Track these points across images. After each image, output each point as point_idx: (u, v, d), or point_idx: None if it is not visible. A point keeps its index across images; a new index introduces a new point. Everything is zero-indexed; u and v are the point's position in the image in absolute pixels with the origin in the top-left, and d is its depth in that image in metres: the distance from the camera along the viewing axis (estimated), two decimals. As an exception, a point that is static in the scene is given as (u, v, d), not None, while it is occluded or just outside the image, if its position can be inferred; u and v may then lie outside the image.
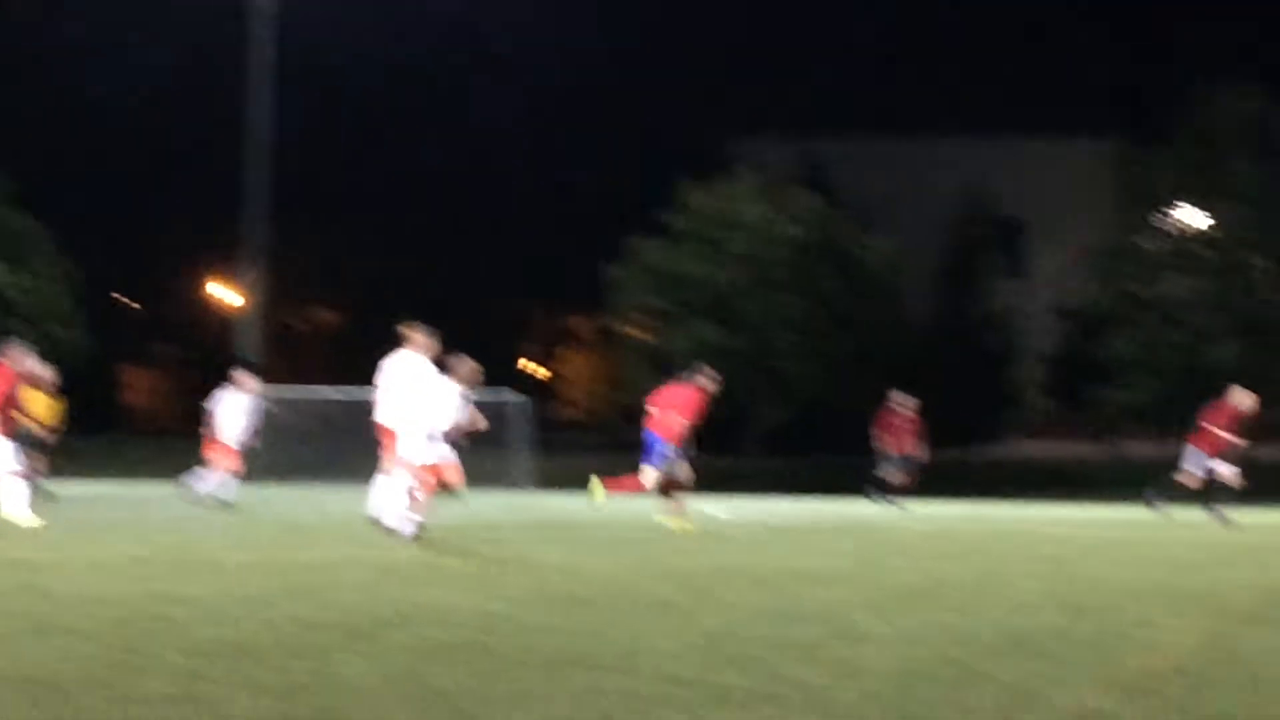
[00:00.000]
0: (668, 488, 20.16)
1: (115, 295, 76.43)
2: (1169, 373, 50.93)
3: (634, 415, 30.53)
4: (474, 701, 5.64)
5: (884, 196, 64.35)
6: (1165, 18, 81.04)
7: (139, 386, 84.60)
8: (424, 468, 16.01)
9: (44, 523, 16.86)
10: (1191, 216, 52.53)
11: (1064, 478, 50.27)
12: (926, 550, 15.92)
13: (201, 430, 25.44)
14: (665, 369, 38.43)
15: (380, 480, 16.78)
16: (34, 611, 8.18)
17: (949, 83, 67.63)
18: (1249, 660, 6.99)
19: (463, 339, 19.06)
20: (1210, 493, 24.60)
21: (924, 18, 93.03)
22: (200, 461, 25.08)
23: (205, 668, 6.23)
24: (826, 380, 51.41)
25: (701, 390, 20.47)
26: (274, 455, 32.60)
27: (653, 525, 19.22)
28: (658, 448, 20.08)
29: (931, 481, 31.18)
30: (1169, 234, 52.92)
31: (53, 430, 23.89)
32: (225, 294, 65.38)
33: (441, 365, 16.52)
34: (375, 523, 16.40)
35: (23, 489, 17.82)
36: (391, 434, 16.39)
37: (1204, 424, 24.89)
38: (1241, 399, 24.88)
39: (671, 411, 20.23)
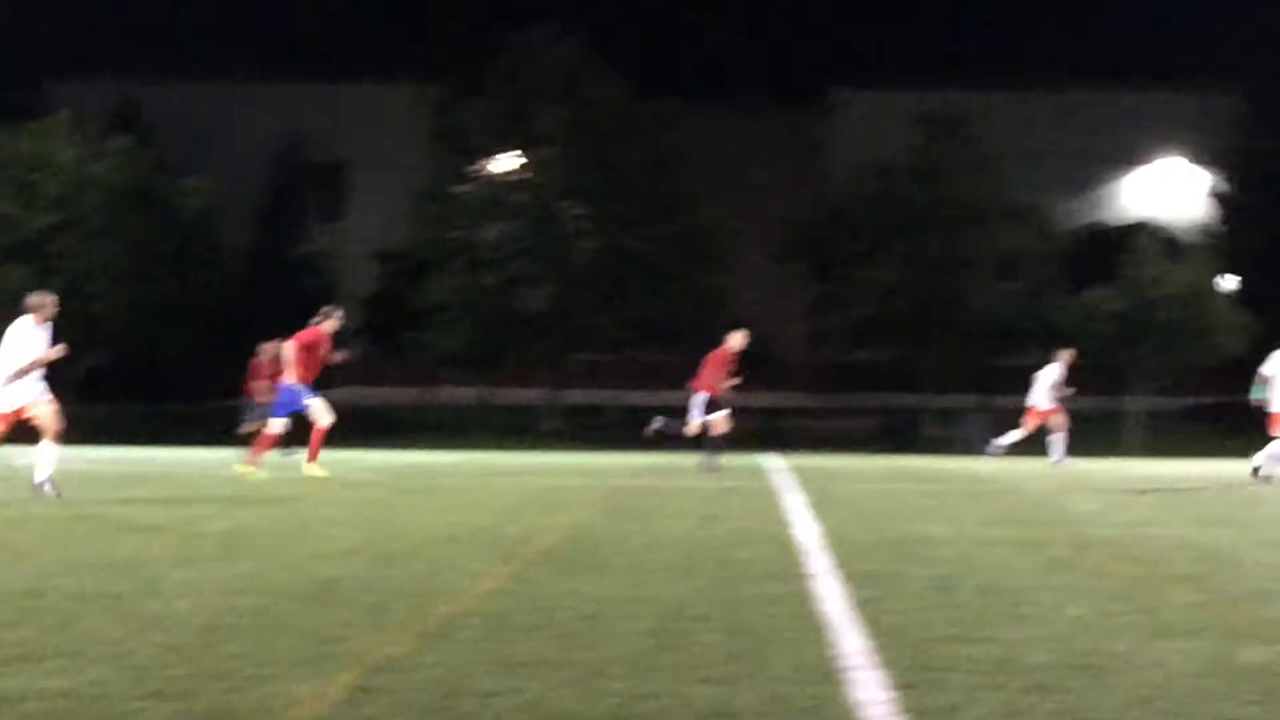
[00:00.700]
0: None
1: None
2: (483, 317, 52.62)
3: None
4: None
5: (204, 140, 63.16)
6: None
7: None
8: None
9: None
10: (505, 163, 54.25)
11: (383, 422, 51.05)
12: (242, 498, 15.69)
13: None
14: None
15: None
16: None
17: (269, 28, 66.89)
18: (546, 602, 7.23)
19: None
20: (704, 440, 24.68)
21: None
22: None
23: None
24: (141, 324, 50.15)
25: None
26: None
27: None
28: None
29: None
30: (484, 180, 54.49)
31: None
32: None
33: None
34: None
35: None
36: None
37: (704, 370, 24.82)
38: (735, 340, 24.82)
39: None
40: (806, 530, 11.84)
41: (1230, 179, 62.58)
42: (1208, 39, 62.42)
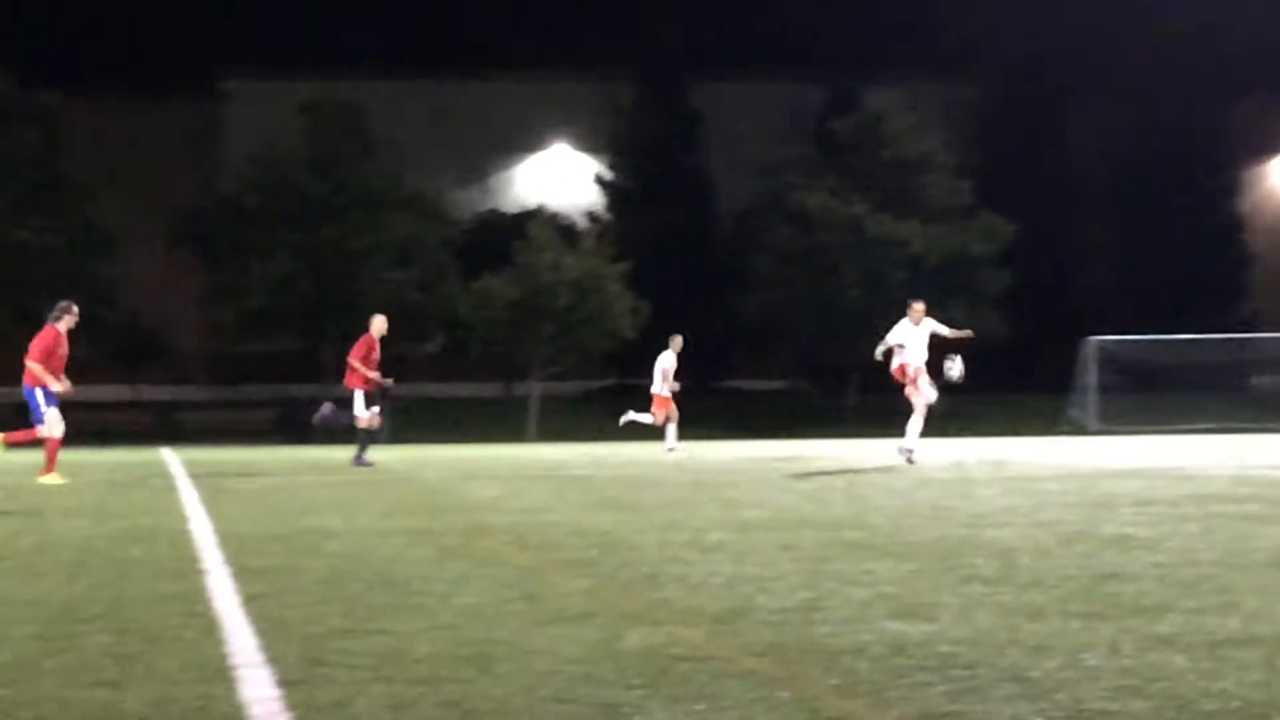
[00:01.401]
0: None
1: None
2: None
3: None
4: None
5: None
6: None
7: None
8: None
9: None
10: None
11: None
12: None
13: None
14: None
15: None
16: None
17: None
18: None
19: None
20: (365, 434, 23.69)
21: None
22: None
23: None
24: None
25: None
26: None
27: None
28: None
29: None
30: None
31: None
32: None
33: None
34: None
35: None
36: None
37: (350, 361, 23.80)
38: (377, 325, 24.22)
39: None
40: (202, 526, 11.61)
41: (614, 166, 65.23)
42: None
